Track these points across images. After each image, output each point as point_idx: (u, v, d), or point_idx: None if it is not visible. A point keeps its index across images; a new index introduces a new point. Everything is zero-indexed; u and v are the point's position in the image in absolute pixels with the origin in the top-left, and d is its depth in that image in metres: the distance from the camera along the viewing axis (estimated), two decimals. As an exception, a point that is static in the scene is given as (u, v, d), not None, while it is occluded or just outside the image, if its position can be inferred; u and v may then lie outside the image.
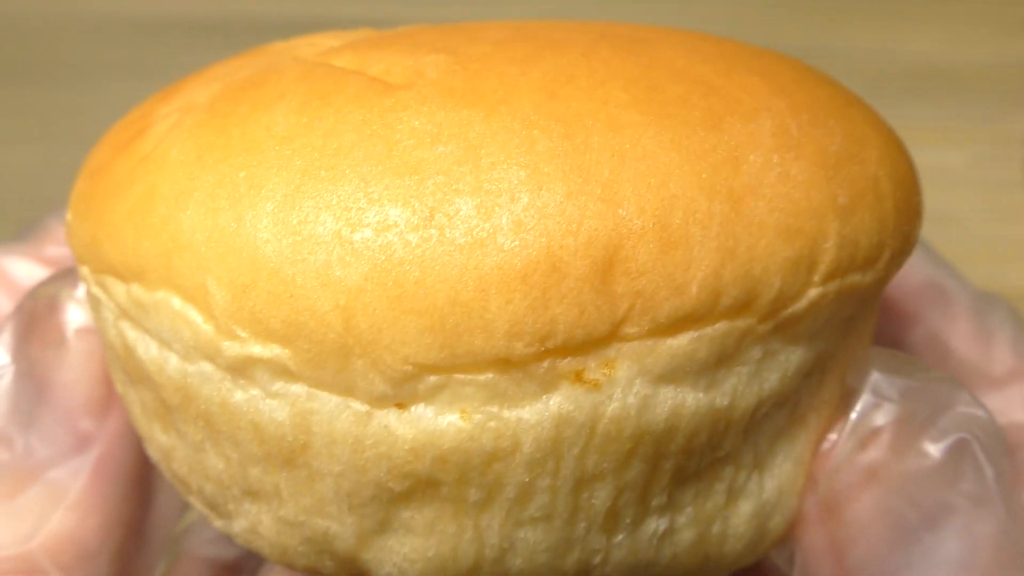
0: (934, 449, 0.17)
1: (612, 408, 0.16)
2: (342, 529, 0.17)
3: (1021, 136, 0.48)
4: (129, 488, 0.20)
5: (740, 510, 0.18)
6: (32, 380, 0.19)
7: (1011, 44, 0.53)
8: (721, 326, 0.16)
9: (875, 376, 0.18)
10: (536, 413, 0.16)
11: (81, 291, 0.20)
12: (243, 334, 0.16)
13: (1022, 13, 0.55)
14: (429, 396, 0.16)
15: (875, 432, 0.18)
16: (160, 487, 0.22)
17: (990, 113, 0.50)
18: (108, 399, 0.20)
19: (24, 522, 0.19)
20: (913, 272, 0.23)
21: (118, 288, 0.17)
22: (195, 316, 0.16)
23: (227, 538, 0.27)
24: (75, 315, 0.20)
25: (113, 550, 0.20)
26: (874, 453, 0.17)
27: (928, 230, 0.23)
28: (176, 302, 0.16)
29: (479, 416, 0.16)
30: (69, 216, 0.19)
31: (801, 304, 0.16)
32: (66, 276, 0.20)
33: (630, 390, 0.16)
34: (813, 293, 0.16)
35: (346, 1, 0.51)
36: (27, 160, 0.49)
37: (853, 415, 0.18)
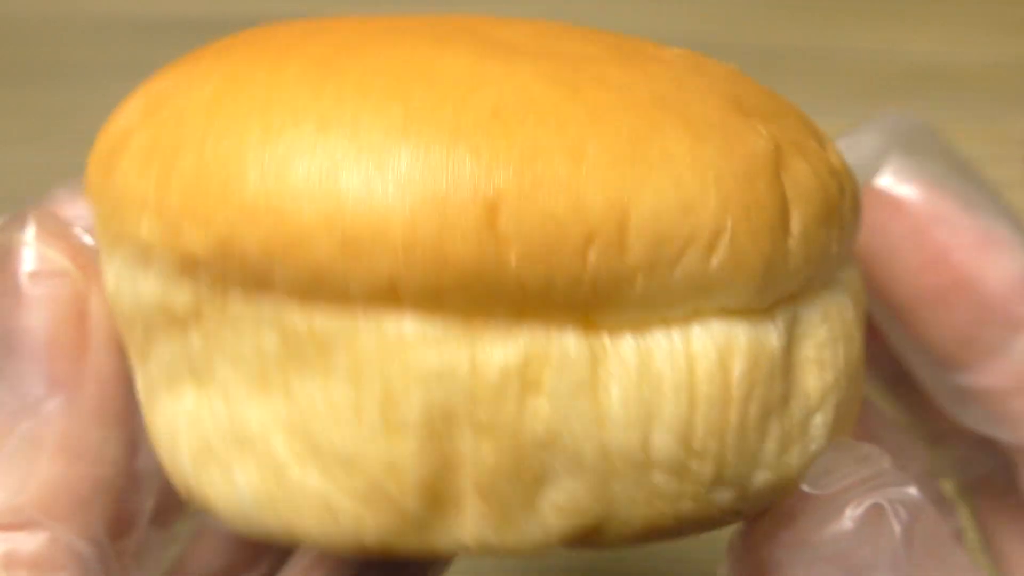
0: (852, 513, 0.18)
1: None
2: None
3: (1021, 136, 0.48)
4: (114, 427, 0.20)
5: None
6: None
7: (1011, 44, 0.53)
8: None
9: None
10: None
11: (30, 234, 0.20)
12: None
13: (1022, 13, 0.55)
14: None
15: (801, 502, 0.18)
16: (144, 425, 0.21)
17: (990, 113, 0.50)
18: (77, 341, 0.19)
19: (10, 477, 0.19)
20: (1017, 261, 0.23)
21: None
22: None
23: None
24: (27, 259, 0.19)
25: (106, 493, 0.19)
26: (800, 522, 0.18)
27: (928, 230, 0.23)
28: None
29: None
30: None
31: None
32: (14, 220, 0.20)
33: None
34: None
35: (349, 2, 0.51)
36: (27, 160, 0.49)
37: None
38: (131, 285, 0.18)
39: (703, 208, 0.16)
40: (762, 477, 0.18)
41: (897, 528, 0.17)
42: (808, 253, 0.18)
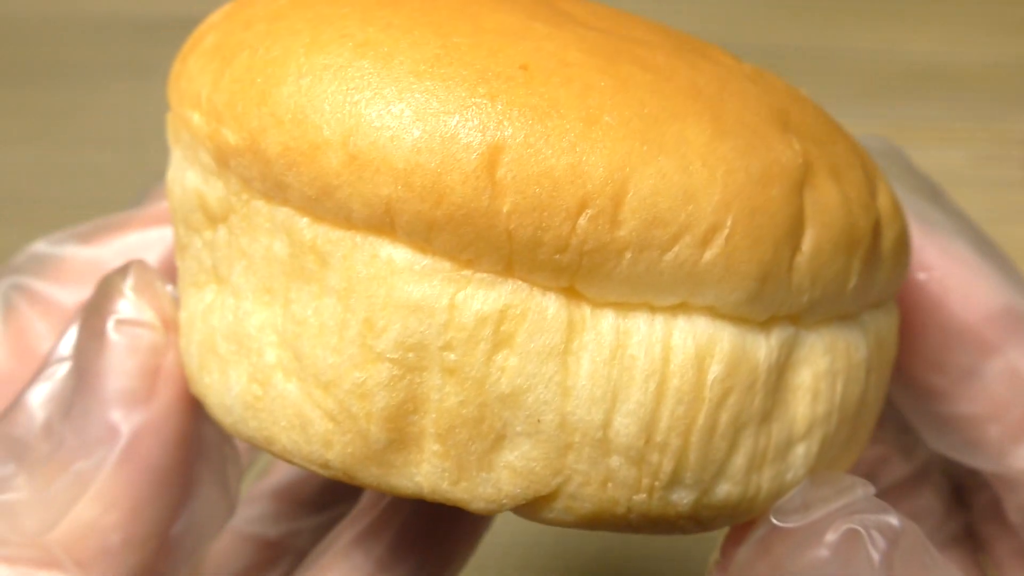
0: (828, 540, 0.17)
1: None
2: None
3: (1021, 136, 0.48)
4: (158, 487, 0.20)
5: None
6: (75, 371, 0.20)
7: (1011, 44, 0.53)
8: None
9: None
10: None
11: (128, 284, 0.20)
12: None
13: (1022, 13, 0.55)
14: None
15: (777, 535, 0.18)
16: (200, 494, 0.21)
17: (990, 113, 0.50)
18: (144, 394, 0.20)
19: (49, 512, 0.19)
20: (993, 295, 0.22)
21: None
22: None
23: (273, 516, 0.27)
24: (122, 307, 0.20)
25: (135, 549, 0.20)
26: (776, 551, 0.18)
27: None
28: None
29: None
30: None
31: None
32: (123, 267, 0.21)
33: None
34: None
35: None
36: (27, 160, 0.49)
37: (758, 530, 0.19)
38: (181, 178, 0.19)
39: (705, 199, 0.16)
40: (725, 489, 0.18)
41: (875, 555, 0.17)
42: (817, 276, 0.18)
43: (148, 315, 0.20)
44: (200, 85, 0.18)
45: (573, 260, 0.16)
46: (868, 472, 0.26)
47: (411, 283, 0.17)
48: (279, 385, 0.18)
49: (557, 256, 0.16)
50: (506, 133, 0.16)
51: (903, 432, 0.26)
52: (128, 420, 0.20)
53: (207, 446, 0.21)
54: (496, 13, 0.18)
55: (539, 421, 0.17)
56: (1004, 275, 0.22)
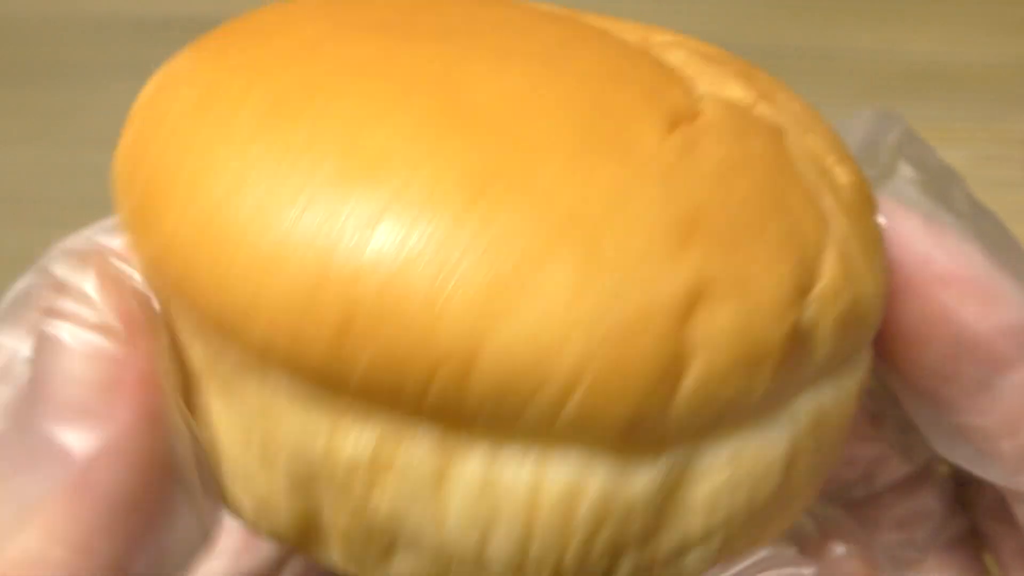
0: None
1: None
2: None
3: (1021, 136, 0.48)
4: (116, 518, 0.17)
5: None
6: (31, 380, 0.17)
7: (1011, 44, 0.53)
8: None
9: None
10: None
11: (88, 283, 0.18)
12: None
13: (1022, 13, 0.55)
14: None
15: None
16: (167, 522, 0.19)
17: (990, 113, 0.50)
18: (99, 411, 0.17)
19: None
20: (1008, 307, 0.20)
21: None
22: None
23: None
24: (76, 308, 0.18)
25: None
26: None
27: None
28: None
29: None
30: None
31: None
32: (77, 258, 0.18)
33: None
34: None
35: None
36: (27, 160, 0.49)
37: None
38: None
39: (563, 355, 0.15)
40: None
41: None
42: (707, 402, 0.16)
43: (112, 321, 0.18)
44: (121, 182, 0.18)
45: (434, 414, 0.16)
46: (866, 472, 0.26)
47: (293, 416, 0.17)
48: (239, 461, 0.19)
49: (417, 411, 0.16)
50: (360, 292, 0.15)
51: (903, 432, 0.26)
52: (81, 441, 0.17)
53: (177, 469, 0.19)
54: (385, 121, 0.17)
55: (419, 542, 0.17)
56: (1020, 283, 0.21)
